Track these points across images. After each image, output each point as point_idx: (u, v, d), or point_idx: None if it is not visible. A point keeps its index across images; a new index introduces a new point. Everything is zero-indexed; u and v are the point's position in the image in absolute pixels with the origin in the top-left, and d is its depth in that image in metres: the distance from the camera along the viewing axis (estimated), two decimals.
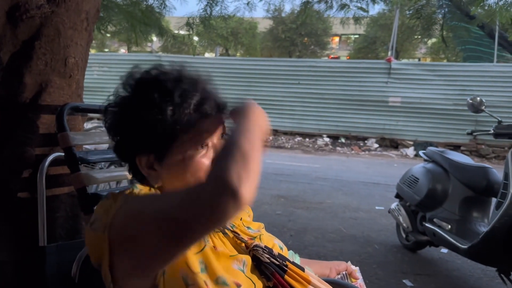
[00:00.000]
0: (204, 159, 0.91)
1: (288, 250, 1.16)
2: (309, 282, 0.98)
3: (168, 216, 0.74)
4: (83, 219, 1.19)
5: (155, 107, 0.87)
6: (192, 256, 0.85)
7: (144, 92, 0.89)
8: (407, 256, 3.49)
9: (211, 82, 0.96)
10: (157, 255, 0.78)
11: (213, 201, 0.68)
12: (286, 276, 0.95)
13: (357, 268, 1.31)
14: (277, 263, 0.96)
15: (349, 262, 1.32)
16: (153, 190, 0.93)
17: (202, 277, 0.83)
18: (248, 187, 0.69)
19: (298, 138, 12.62)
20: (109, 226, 0.81)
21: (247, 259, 0.94)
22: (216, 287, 0.84)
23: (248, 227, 1.07)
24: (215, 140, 0.94)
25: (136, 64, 0.98)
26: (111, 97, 0.95)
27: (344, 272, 1.27)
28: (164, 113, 0.87)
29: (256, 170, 0.72)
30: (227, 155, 0.73)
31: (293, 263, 1.00)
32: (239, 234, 1.00)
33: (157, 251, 0.77)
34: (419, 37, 18.54)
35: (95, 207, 0.89)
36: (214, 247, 0.89)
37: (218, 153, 0.80)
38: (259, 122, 0.83)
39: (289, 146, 12.00)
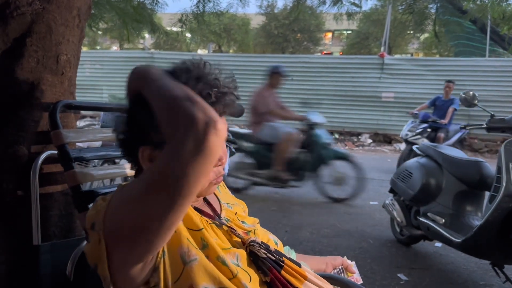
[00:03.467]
0: None
1: (284, 246, 1.16)
2: (305, 278, 0.98)
3: (157, 178, 0.75)
4: (77, 217, 1.18)
5: None
6: (194, 233, 0.89)
7: None
8: (401, 251, 3.51)
9: (225, 77, 0.97)
10: (154, 228, 0.77)
11: (199, 141, 0.71)
12: (282, 272, 0.96)
13: (353, 262, 1.32)
14: (274, 258, 0.97)
15: (345, 257, 1.32)
16: None
17: (204, 253, 0.87)
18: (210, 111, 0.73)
19: None
20: (102, 221, 0.82)
21: (241, 253, 0.94)
22: (217, 264, 0.87)
23: (243, 222, 1.07)
24: None
25: (140, 61, 0.97)
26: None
27: (340, 267, 1.28)
28: None
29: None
30: (176, 107, 0.75)
31: (290, 259, 1.01)
32: (235, 230, 1.00)
33: (152, 222, 0.76)
34: (412, 32, 18.59)
35: (88, 212, 0.89)
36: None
37: (165, 112, 0.78)
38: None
39: None
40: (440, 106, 7.50)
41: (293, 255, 1.17)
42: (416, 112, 7.56)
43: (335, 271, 1.27)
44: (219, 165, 0.97)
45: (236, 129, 6.16)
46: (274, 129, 5.15)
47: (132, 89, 0.88)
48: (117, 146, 0.98)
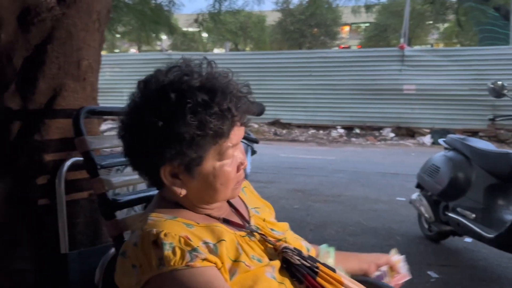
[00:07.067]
0: (229, 168, 0.90)
1: (317, 244, 1.12)
2: (341, 284, 0.94)
3: None
4: (105, 225, 1.17)
5: (184, 117, 0.82)
6: (228, 263, 0.85)
7: (170, 102, 0.83)
8: (430, 247, 3.43)
9: (237, 81, 0.91)
10: None
11: None
12: (318, 278, 0.92)
13: (402, 257, 1.22)
14: (308, 265, 0.93)
15: (393, 251, 1.23)
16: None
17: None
18: None
19: (312, 131, 12.54)
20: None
21: (276, 264, 0.91)
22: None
23: (273, 229, 1.03)
24: (236, 149, 0.91)
25: (149, 68, 0.93)
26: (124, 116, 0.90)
27: (384, 268, 1.19)
28: (203, 127, 0.83)
29: None
30: None
31: (324, 264, 0.97)
32: (266, 237, 0.96)
33: None
34: (431, 22, 18.24)
35: (126, 249, 0.86)
36: (247, 265, 0.87)
37: None
38: None
39: (303, 139, 11.93)
40: None
41: (332, 253, 1.12)
42: None
43: (379, 273, 1.18)
44: (242, 168, 0.93)
45: None
46: None
47: None
48: (134, 171, 0.95)
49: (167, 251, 0.80)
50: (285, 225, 1.09)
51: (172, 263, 0.79)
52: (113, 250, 1.20)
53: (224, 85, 0.87)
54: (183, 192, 0.90)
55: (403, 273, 1.20)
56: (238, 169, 0.92)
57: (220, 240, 0.86)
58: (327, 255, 1.12)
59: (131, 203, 1.21)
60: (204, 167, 0.87)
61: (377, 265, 1.19)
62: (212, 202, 0.93)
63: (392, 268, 1.19)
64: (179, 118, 0.82)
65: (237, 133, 0.89)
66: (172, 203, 0.93)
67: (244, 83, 0.92)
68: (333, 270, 0.96)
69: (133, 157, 0.92)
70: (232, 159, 0.90)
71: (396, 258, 1.21)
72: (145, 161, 0.90)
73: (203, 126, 0.83)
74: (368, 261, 1.19)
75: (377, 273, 1.17)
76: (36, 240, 1.36)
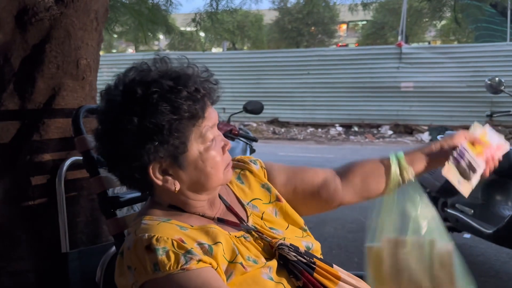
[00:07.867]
0: (214, 152, 0.90)
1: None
2: (339, 278, 0.94)
3: None
4: (106, 223, 1.17)
5: (156, 106, 0.82)
6: (224, 264, 0.85)
7: (138, 96, 0.83)
8: None
9: (196, 67, 0.91)
10: None
11: None
12: (315, 274, 0.92)
13: (487, 126, 1.03)
14: (305, 261, 0.93)
15: (475, 123, 1.06)
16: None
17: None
18: None
19: (310, 129, 12.54)
20: None
21: (273, 264, 0.91)
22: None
23: (272, 228, 1.01)
24: (215, 131, 0.92)
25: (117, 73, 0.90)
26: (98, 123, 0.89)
27: (461, 146, 0.98)
28: (178, 111, 0.83)
29: None
30: None
31: (320, 259, 0.97)
32: (262, 234, 0.96)
33: None
34: (428, 20, 18.24)
35: (123, 250, 0.86)
36: (244, 266, 0.87)
37: None
38: None
39: (301, 138, 11.92)
40: None
41: (401, 158, 1.08)
42: None
43: (456, 153, 0.97)
44: (227, 149, 0.93)
45: None
46: None
47: None
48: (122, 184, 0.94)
49: (161, 256, 0.79)
50: (284, 223, 1.05)
51: (167, 268, 0.78)
52: (113, 248, 1.20)
53: (185, 70, 0.88)
54: (177, 186, 0.89)
55: (497, 143, 1.01)
56: (223, 151, 0.92)
57: (216, 242, 0.85)
58: (394, 163, 1.05)
59: (131, 201, 1.21)
60: (190, 154, 0.87)
61: (450, 146, 1.06)
62: (207, 189, 0.92)
63: (474, 144, 1.03)
64: (152, 109, 0.82)
65: (212, 112, 0.90)
66: (165, 206, 0.93)
67: (203, 69, 0.92)
68: (330, 265, 0.97)
69: (118, 167, 0.91)
70: (215, 141, 0.90)
71: (480, 130, 1.03)
72: (132, 166, 0.87)
73: (177, 110, 0.83)
74: (438, 147, 1.07)
75: (454, 154, 0.99)
76: (36, 240, 1.36)
